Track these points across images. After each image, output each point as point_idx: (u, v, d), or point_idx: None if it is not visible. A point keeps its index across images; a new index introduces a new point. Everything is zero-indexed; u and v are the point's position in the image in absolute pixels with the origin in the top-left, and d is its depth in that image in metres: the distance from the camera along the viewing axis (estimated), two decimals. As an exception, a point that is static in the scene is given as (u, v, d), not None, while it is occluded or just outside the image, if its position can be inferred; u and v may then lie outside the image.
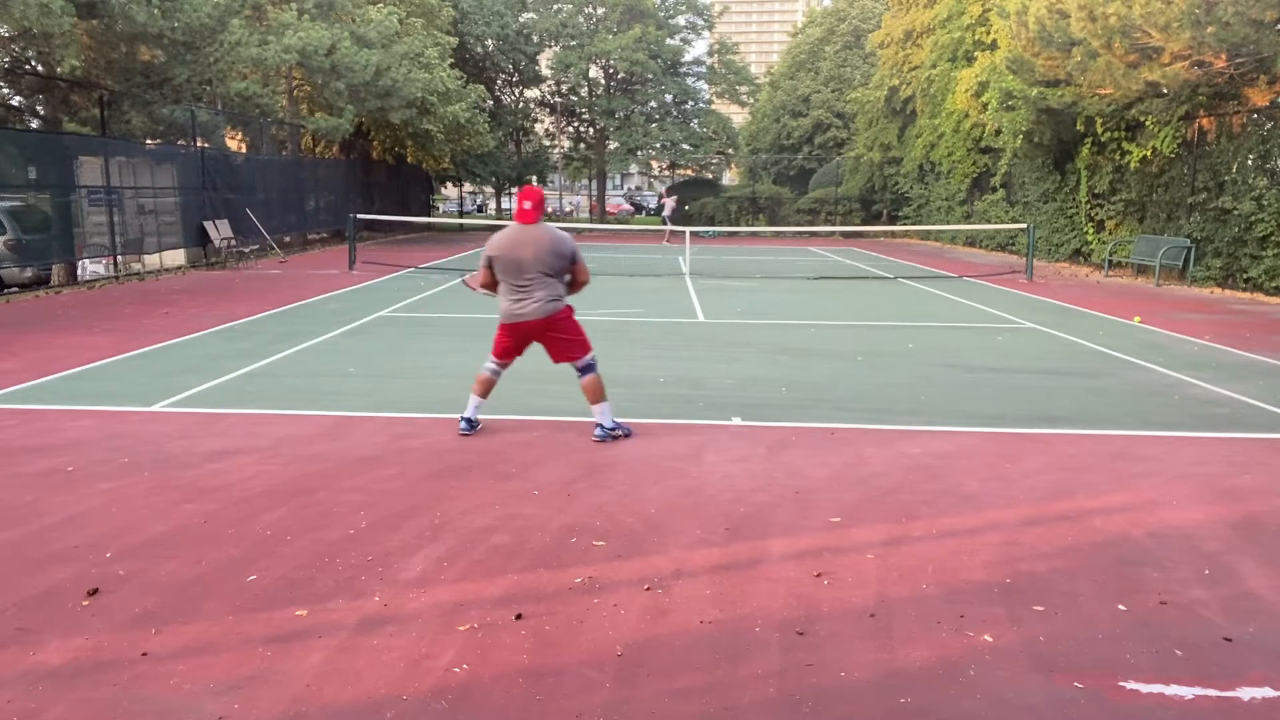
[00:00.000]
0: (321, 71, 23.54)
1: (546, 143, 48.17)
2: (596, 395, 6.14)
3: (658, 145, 44.86)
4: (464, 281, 6.87)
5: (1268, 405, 7.43)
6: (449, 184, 48.25)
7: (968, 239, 28.85)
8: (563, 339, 6.14)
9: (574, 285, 6.20)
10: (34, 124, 17.75)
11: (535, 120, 46.77)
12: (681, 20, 45.49)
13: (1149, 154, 18.04)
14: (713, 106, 47.49)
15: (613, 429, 6.16)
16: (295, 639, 3.43)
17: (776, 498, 5.06)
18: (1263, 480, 5.48)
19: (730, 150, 46.94)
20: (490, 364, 6.29)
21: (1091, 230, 20.90)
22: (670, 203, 33.74)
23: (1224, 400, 7.62)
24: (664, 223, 32.44)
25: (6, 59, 15.54)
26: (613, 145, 45.30)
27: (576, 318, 6.26)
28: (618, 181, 77.68)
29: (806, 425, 6.62)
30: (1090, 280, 18.30)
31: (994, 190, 26.58)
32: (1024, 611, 3.71)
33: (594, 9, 43.60)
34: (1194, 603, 3.82)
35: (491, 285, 6.16)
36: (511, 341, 6.21)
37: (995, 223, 24.98)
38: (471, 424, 6.28)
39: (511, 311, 6.06)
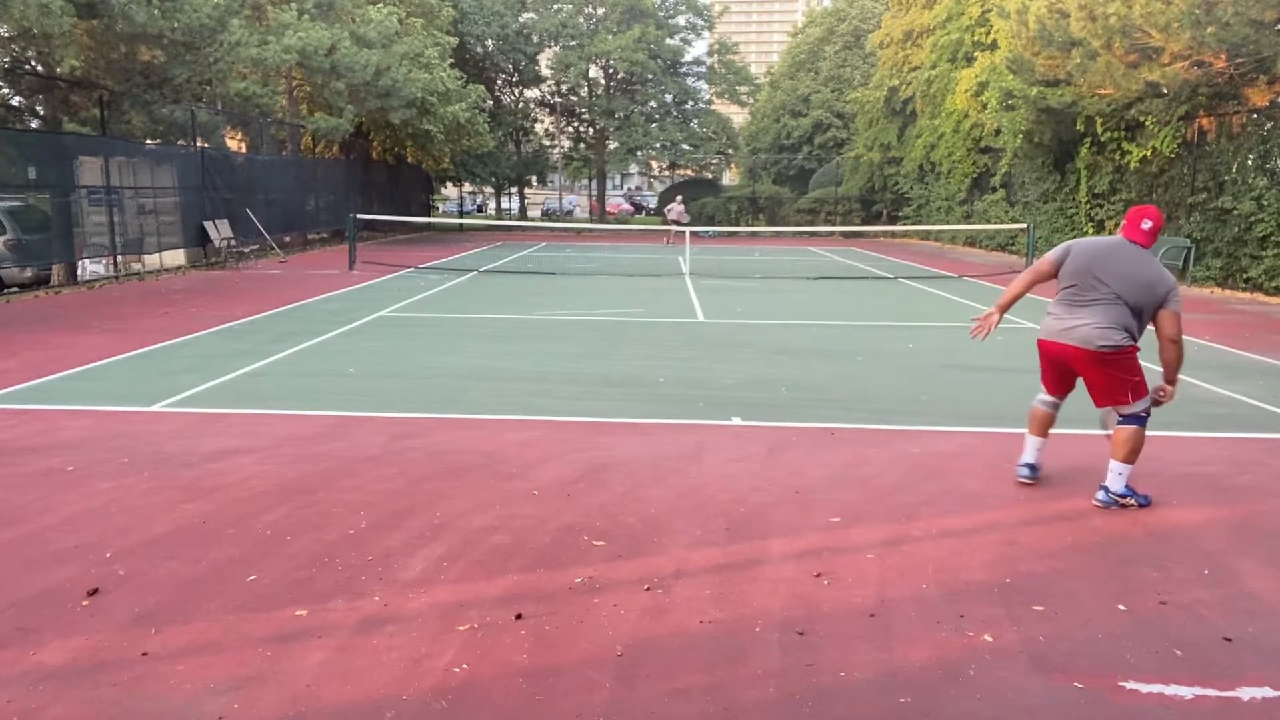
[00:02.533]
0: (321, 71, 23.54)
1: (546, 143, 48.19)
2: (1125, 451, 4.88)
3: (658, 145, 44.90)
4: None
5: (1268, 405, 7.43)
6: (449, 184, 48.24)
7: (968, 239, 28.85)
8: (1106, 378, 4.90)
9: (1163, 347, 4.99)
10: (34, 124, 17.75)
11: (535, 120, 46.78)
12: (681, 20, 45.53)
13: (1149, 154, 18.04)
14: (713, 106, 47.52)
15: (1123, 495, 4.92)
16: (295, 639, 3.43)
17: (776, 498, 5.06)
18: (1263, 480, 5.48)
19: (730, 150, 46.97)
20: (1042, 397, 5.30)
21: (1092, 230, 20.88)
22: (678, 207, 32.87)
23: (1224, 400, 7.61)
24: (672, 222, 31.68)
25: (6, 59, 15.54)
26: (613, 145, 45.34)
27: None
28: (617, 181, 77.67)
29: (806, 425, 6.62)
30: (1090, 280, 18.27)
31: (994, 190, 26.58)
32: (1024, 611, 3.71)
33: (594, 9, 43.62)
34: (1194, 603, 3.82)
35: (1023, 281, 5.24)
36: (1047, 365, 5.15)
37: (995, 223, 24.97)
38: (1033, 469, 5.28)
39: (1054, 328, 5.03)
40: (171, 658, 3.28)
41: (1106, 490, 4.95)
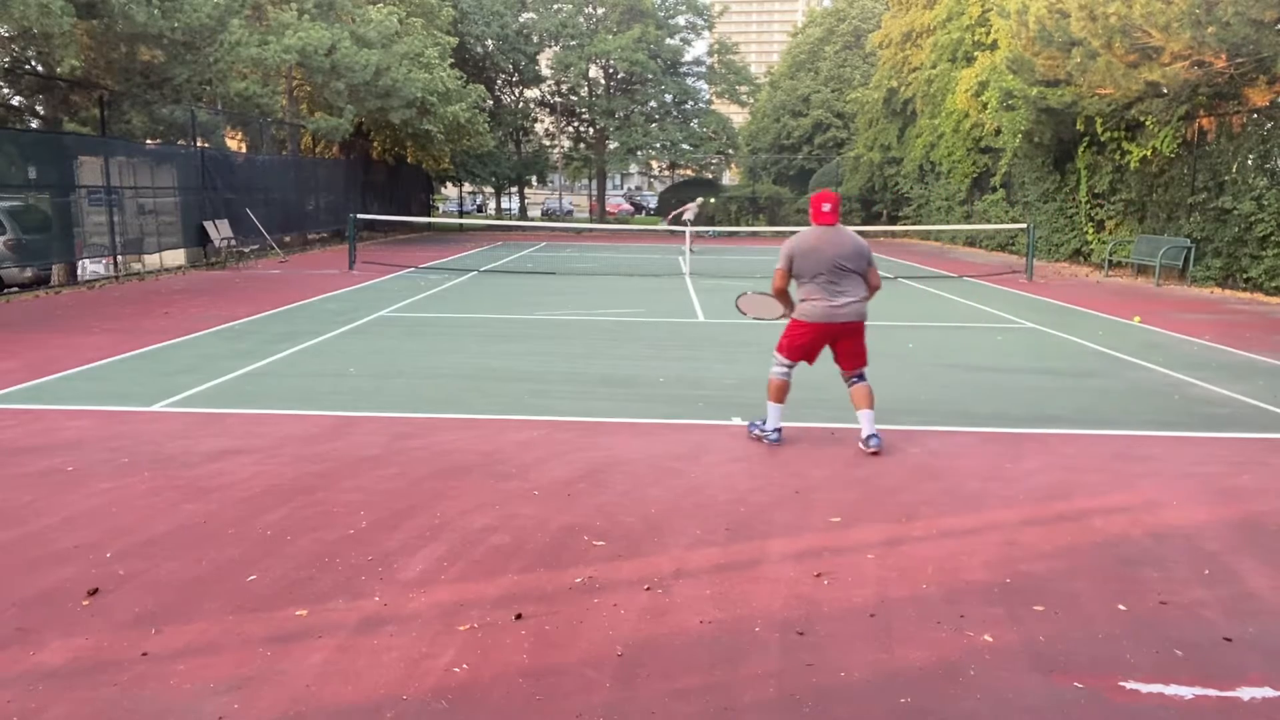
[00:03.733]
0: (321, 71, 23.53)
1: (546, 143, 48.21)
2: (869, 401, 6.00)
3: (658, 145, 44.93)
4: (739, 306, 6.96)
5: (1268, 405, 7.42)
6: (449, 184, 48.25)
7: (968, 239, 28.85)
8: (858, 342, 6.05)
9: (871, 290, 6.04)
10: (34, 124, 17.75)
11: (535, 120, 46.79)
12: (681, 20, 45.56)
13: (1149, 154, 18.04)
14: (713, 106, 47.53)
15: (873, 435, 5.93)
16: (295, 639, 3.43)
17: (776, 498, 5.06)
18: (1263, 480, 5.48)
19: (730, 150, 46.98)
20: (783, 369, 6.11)
21: (1091, 230, 20.89)
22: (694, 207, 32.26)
23: (1224, 400, 7.61)
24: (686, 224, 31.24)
25: (6, 59, 15.54)
26: (613, 145, 45.37)
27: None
28: (617, 181, 77.69)
29: (806, 425, 6.61)
30: (1090, 280, 18.30)
31: (994, 190, 26.58)
32: (1024, 611, 3.71)
33: (594, 9, 43.64)
34: (1194, 603, 3.82)
35: (784, 292, 6.16)
36: (809, 341, 6.03)
37: (995, 223, 24.97)
38: (780, 433, 6.12)
39: (827, 310, 5.89)
40: (171, 658, 3.28)
41: (878, 439, 5.91)
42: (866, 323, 6.03)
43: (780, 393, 6.09)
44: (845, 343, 6.01)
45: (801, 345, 6.04)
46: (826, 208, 6.00)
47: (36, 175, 15.24)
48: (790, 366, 6.10)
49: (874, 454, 5.87)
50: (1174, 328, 11.43)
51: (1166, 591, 3.92)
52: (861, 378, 6.05)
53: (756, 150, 46.78)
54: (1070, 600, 3.82)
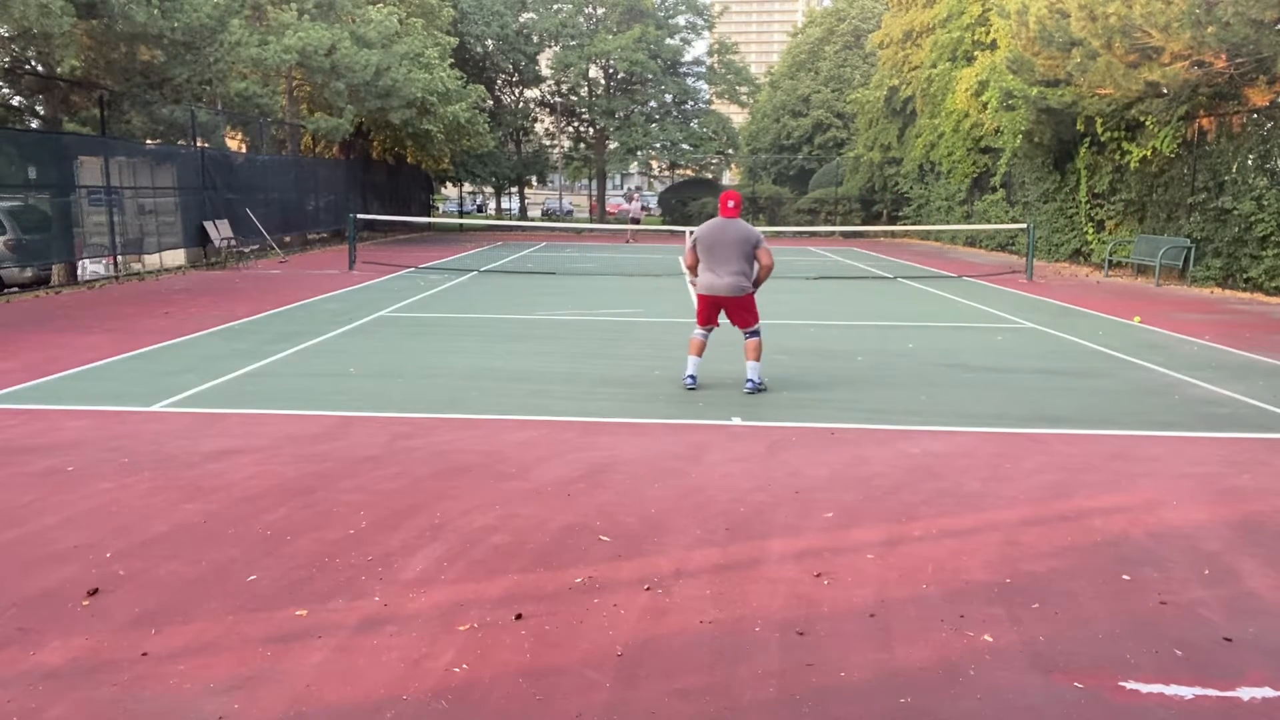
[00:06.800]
0: (321, 71, 23.53)
1: (546, 143, 48.18)
2: (756, 355, 7.65)
3: (658, 145, 44.90)
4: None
5: (1268, 405, 7.43)
6: (449, 184, 48.24)
7: (968, 239, 28.85)
8: (743, 308, 7.69)
9: (761, 271, 7.68)
10: (34, 124, 17.75)
11: (535, 120, 46.76)
12: (681, 20, 45.53)
13: (1149, 154, 18.04)
14: (712, 106, 47.51)
15: (760, 384, 7.64)
16: (295, 639, 3.43)
17: (776, 498, 5.06)
18: (1263, 480, 5.48)
19: (730, 150, 46.96)
20: (699, 331, 7.87)
21: (1091, 230, 20.90)
22: (636, 204, 33.97)
23: (1224, 400, 7.61)
24: (633, 223, 32.76)
25: (6, 59, 15.54)
26: (613, 145, 45.34)
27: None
28: (617, 181, 77.61)
29: (806, 425, 6.62)
30: (1090, 280, 18.30)
31: (994, 190, 26.58)
32: (1024, 611, 3.71)
33: (594, 9, 43.62)
34: (1194, 603, 3.82)
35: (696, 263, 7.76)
36: (708, 307, 7.76)
37: (995, 223, 24.97)
38: (695, 379, 7.77)
39: (711, 282, 7.61)
40: (171, 658, 3.28)
41: (753, 382, 7.61)
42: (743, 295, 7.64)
43: (697, 349, 7.81)
44: (730, 308, 7.69)
45: (702, 307, 7.77)
46: (730, 204, 7.61)
47: (36, 175, 15.23)
48: (702, 328, 7.83)
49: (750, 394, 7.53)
50: (1174, 328, 11.43)
51: (1166, 591, 3.92)
52: (754, 333, 7.67)
53: (756, 150, 46.73)
54: (1070, 600, 3.82)
